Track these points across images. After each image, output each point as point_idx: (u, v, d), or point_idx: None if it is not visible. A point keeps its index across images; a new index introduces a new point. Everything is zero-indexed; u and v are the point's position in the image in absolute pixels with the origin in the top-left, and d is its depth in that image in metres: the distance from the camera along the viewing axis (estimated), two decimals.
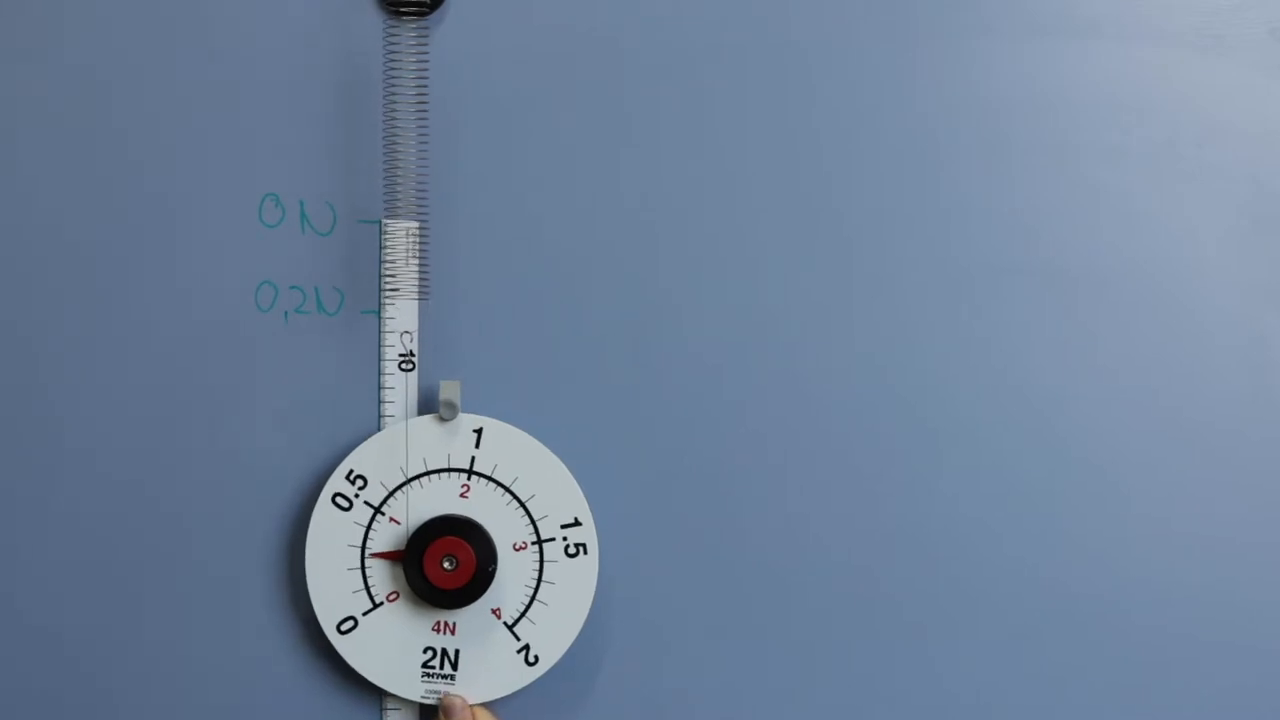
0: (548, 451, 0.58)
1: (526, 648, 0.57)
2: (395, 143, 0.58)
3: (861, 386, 0.58)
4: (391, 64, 0.58)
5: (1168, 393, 0.58)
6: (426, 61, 0.58)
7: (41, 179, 0.59)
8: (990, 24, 0.58)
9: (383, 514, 0.58)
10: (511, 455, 0.57)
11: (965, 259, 0.58)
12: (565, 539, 0.57)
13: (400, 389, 0.59)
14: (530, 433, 0.58)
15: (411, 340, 0.59)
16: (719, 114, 0.58)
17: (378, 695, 0.59)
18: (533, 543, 0.57)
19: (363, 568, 0.58)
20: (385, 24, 0.58)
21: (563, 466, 0.57)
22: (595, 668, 0.59)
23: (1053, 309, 0.58)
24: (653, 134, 0.59)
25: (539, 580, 0.57)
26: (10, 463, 0.59)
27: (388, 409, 0.59)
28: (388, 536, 0.57)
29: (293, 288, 0.59)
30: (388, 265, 0.59)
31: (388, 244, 0.59)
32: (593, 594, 0.57)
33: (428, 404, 0.59)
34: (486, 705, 0.58)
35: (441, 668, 0.58)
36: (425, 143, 0.58)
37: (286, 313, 0.59)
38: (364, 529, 0.58)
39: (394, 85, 0.58)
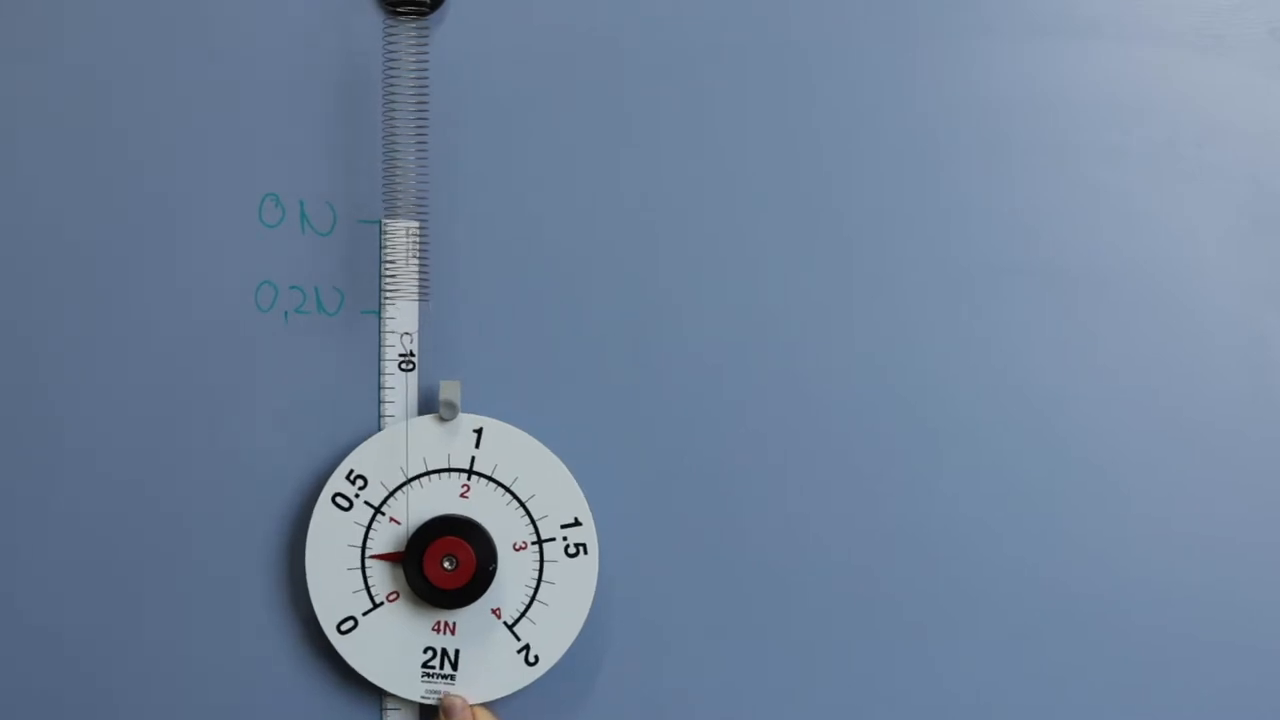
0: (548, 451, 0.58)
1: (526, 648, 0.57)
2: (395, 143, 0.58)
3: (861, 386, 0.58)
4: (391, 64, 0.58)
5: (1168, 393, 0.58)
6: (426, 61, 0.58)
7: (41, 179, 0.59)
8: (990, 24, 0.58)
9: (383, 514, 0.57)
10: (511, 455, 0.57)
11: (965, 259, 0.58)
12: (565, 539, 0.57)
13: (400, 389, 0.59)
14: (530, 433, 0.58)
15: (411, 340, 0.59)
16: (719, 114, 0.58)
17: (378, 695, 0.59)
18: (533, 543, 0.57)
19: (363, 567, 0.58)
20: (385, 24, 0.58)
21: (563, 466, 0.57)
22: (595, 668, 0.59)
23: (1053, 309, 0.58)
24: (653, 134, 0.59)
25: (539, 580, 0.57)
26: (10, 463, 0.59)
27: (388, 409, 0.59)
28: (388, 536, 0.57)
29: (293, 288, 0.59)
30: (388, 265, 0.59)
31: (388, 244, 0.59)
32: (593, 594, 0.57)
33: (428, 404, 0.59)
34: (486, 705, 0.58)
35: (441, 668, 0.58)
36: (425, 143, 0.58)
37: (286, 313, 0.59)
38: (364, 529, 0.57)
39: (394, 85, 0.58)
